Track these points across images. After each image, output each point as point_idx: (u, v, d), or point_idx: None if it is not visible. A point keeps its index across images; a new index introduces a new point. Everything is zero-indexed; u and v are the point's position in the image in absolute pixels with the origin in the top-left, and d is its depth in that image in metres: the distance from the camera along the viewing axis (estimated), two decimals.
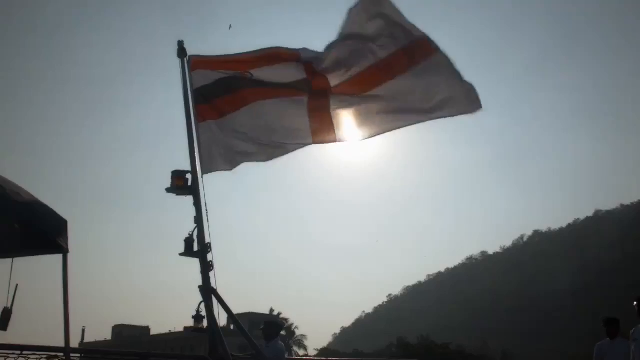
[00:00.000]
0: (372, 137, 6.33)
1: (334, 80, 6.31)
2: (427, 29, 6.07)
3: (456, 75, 6.00)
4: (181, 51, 6.39)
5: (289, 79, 6.37)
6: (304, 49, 6.30)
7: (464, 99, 5.99)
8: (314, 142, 6.45)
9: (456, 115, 6.10)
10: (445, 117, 6.13)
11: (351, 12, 6.10)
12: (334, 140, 6.39)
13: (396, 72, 6.15)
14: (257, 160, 6.69)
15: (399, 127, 6.28)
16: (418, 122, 6.21)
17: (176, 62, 6.40)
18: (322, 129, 6.38)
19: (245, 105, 6.50)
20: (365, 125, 6.32)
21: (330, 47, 6.23)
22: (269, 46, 6.43)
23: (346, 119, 6.36)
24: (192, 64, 6.40)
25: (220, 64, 6.44)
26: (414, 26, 6.02)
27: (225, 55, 6.48)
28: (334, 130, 6.36)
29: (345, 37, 6.17)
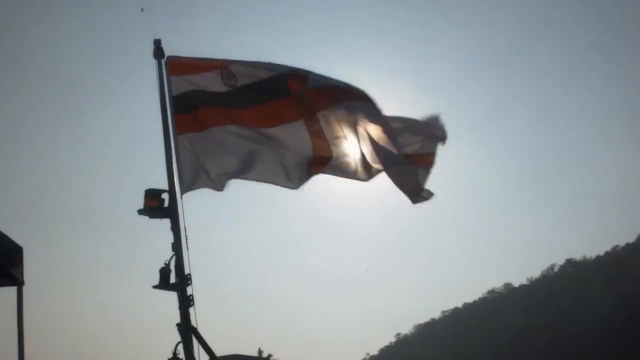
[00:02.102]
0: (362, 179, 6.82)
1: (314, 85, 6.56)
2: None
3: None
4: (158, 51, 6.44)
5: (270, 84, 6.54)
6: (309, 75, 6.58)
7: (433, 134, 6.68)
8: (310, 174, 6.79)
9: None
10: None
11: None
12: (326, 173, 6.83)
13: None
14: (246, 178, 6.72)
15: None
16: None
17: (153, 60, 6.43)
18: (321, 161, 6.74)
19: (234, 124, 6.57)
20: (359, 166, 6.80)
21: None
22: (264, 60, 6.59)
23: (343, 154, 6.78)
24: (171, 66, 6.45)
25: (201, 67, 6.50)
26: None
27: (207, 59, 6.54)
28: (330, 162, 6.76)
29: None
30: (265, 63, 6.54)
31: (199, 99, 6.54)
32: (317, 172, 6.75)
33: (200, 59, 6.61)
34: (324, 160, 6.67)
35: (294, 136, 6.60)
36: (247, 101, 6.57)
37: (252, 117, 6.63)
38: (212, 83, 6.53)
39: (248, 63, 6.53)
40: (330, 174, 6.78)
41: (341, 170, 6.74)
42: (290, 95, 6.55)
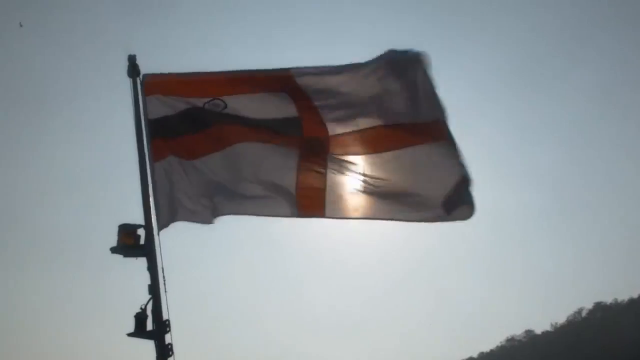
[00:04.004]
0: (365, 219, 6.68)
1: (334, 126, 6.48)
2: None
3: (458, 170, 6.35)
4: (132, 68, 6.47)
5: (274, 113, 6.47)
6: (298, 69, 6.37)
7: (458, 199, 6.42)
8: (300, 215, 6.67)
9: (446, 220, 6.53)
10: (435, 220, 6.59)
11: (376, 63, 6.29)
12: (321, 216, 6.65)
13: (406, 143, 6.47)
14: (231, 213, 6.73)
15: (395, 219, 6.65)
16: (416, 220, 6.64)
17: (127, 78, 6.45)
18: (311, 203, 6.64)
19: (219, 149, 6.58)
20: (360, 205, 6.64)
21: (335, 71, 6.37)
22: (250, 68, 6.54)
23: (341, 192, 6.64)
24: (147, 86, 6.45)
25: (182, 87, 6.50)
26: (440, 104, 6.29)
27: (188, 74, 6.54)
28: (324, 204, 6.61)
29: (357, 74, 6.35)
30: (273, 96, 6.46)
31: (178, 124, 6.56)
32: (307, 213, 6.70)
33: (183, 77, 6.56)
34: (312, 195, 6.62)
35: (284, 158, 6.57)
36: (236, 120, 6.53)
37: (250, 133, 6.57)
38: (193, 107, 6.53)
39: (247, 95, 6.49)
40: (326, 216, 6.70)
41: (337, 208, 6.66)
42: (302, 137, 6.52)
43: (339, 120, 6.48)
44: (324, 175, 6.58)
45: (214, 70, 6.55)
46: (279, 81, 6.41)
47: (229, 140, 6.63)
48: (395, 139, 6.44)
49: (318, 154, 6.54)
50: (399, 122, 6.40)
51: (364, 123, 6.45)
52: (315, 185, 6.60)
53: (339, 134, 6.50)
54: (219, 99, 6.47)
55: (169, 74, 6.55)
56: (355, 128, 6.47)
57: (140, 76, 6.49)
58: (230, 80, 6.50)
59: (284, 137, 6.56)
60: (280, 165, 6.61)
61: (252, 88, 6.48)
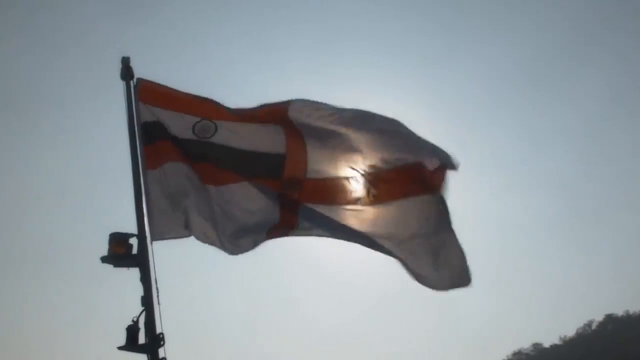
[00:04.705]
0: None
1: (314, 169, 6.58)
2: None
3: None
4: (126, 71, 6.45)
5: (262, 147, 6.58)
6: (298, 103, 6.51)
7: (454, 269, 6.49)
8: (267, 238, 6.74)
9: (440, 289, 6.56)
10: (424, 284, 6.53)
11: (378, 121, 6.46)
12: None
13: (393, 196, 6.54)
14: (219, 248, 6.75)
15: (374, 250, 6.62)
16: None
17: (119, 76, 6.46)
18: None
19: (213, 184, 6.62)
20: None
21: (338, 114, 6.49)
22: (250, 106, 6.60)
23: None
24: (141, 91, 6.43)
25: (176, 102, 6.51)
26: (435, 149, 6.38)
27: (186, 93, 6.55)
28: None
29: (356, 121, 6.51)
30: (267, 127, 6.55)
31: (163, 132, 6.55)
32: (277, 236, 6.77)
33: (179, 94, 6.57)
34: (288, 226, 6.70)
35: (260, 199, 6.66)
36: (219, 161, 6.60)
37: (218, 176, 6.65)
38: (178, 126, 6.53)
39: (240, 124, 6.56)
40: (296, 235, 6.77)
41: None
42: (280, 179, 6.59)
43: (322, 162, 6.54)
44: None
45: (216, 100, 6.57)
46: (277, 114, 6.49)
47: (217, 180, 6.66)
48: (382, 190, 6.51)
49: (292, 204, 6.60)
50: (385, 168, 6.47)
51: (344, 171, 6.53)
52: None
53: (316, 179, 6.55)
54: (211, 121, 6.51)
55: (164, 86, 6.55)
56: (334, 174, 6.55)
57: (134, 79, 6.48)
58: (227, 110, 6.56)
59: (263, 180, 6.62)
60: (264, 205, 6.66)
61: (248, 119, 6.56)
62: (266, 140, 6.54)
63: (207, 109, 6.55)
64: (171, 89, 6.57)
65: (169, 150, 6.55)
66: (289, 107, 6.41)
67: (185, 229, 6.63)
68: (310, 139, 6.48)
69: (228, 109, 6.55)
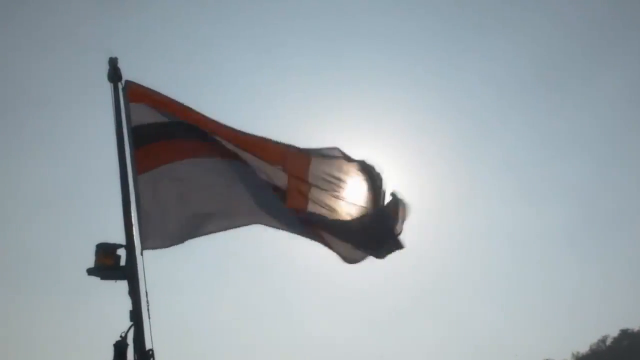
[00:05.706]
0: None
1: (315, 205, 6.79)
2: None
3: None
4: (114, 72, 6.43)
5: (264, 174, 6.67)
6: (310, 152, 6.78)
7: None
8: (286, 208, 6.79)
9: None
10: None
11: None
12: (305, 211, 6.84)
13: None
14: (216, 230, 6.73)
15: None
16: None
17: (107, 82, 6.41)
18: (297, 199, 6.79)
19: (195, 156, 6.59)
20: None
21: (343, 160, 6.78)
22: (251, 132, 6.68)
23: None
24: (131, 93, 6.43)
25: (171, 107, 6.50)
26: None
27: (176, 101, 6.56)
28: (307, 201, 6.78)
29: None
30: (266, 163, 6.69)
31: (161, 130, 6.54)
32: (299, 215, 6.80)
33: (167, 98, 6.58)
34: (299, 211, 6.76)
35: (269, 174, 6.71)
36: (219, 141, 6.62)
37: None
38: (172, 121, 6.56)
39: (237, 149, 6.66)
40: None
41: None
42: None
43: (320, 202, 6.72)
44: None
45: (206, 115, 6.62)
46: (278, 154, 6.64)
47: (208, 152, 6.66)
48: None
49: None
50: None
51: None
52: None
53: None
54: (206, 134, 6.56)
55: (154, 90, 6.54)
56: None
57: (122, 81, 6.45)
58: (225, 128, 6.59)
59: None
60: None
61: (246, 146, 6.61)
62: (267, 172, 6.66)
63: (200, 119, 6.57)
64: (161, 94, 6.57)
65: (162, 152, 6.55)
66: (311, 160, 6.66)
67: (179, 237, 6.60)
68: (314, 180, 6.71)
69: (225, 126, 6.59)
